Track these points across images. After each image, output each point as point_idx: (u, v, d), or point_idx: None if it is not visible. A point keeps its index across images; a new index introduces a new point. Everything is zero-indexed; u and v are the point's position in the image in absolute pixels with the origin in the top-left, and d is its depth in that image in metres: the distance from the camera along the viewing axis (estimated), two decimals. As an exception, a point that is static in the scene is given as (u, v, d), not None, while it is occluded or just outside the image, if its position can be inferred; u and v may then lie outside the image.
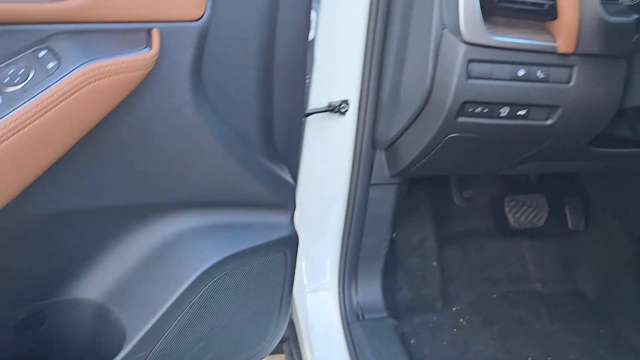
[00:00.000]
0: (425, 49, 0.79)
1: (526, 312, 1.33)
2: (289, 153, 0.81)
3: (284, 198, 0.78)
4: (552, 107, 0.81)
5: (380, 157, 1.02)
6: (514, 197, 1.37)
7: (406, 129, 0.90)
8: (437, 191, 1.36)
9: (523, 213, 1.38)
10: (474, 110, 0.79)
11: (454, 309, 1.31)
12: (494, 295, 1.37)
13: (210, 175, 0.70)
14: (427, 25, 0.78)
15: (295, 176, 0.83)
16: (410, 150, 0.92)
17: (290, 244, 0.80)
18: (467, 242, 1.42)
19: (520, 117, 0.81)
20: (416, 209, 1.36)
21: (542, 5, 0.74)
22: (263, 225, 0.77)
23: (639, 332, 1.27)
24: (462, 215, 1.42)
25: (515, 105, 0.80)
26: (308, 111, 0.95)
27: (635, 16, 0.72)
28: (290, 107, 0.78)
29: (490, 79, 0.77)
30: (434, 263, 1.32)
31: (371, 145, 1.00)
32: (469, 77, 0.76)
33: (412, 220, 1.34)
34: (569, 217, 1.41)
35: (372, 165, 1.03)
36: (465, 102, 0.78)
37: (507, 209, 1.37)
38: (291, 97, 0.78)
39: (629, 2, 0.66)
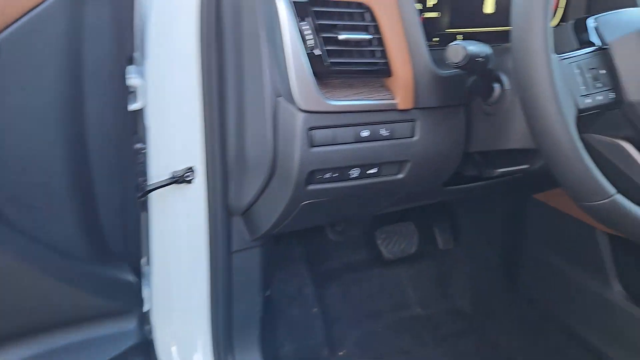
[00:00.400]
0: (262, 118, 0.73)
1: (410, 340, 1.34)
2: (126, 248, 0.71)
3: (125, 301, 0.68)
4: (401, 162, 0.79)
5: (239, 222, 0.95)
6: (384, 228, 1.37)
7: (259, 196, 0.84)
8: (308, 230, 1.32)
9: (395, 243, 1.39)
10: (323, 177, 0.75)
11: (340, 353, 1.27)
12: (379, 329, 1.36)
13: (25, 301, 0.58)
14: (260, 93, 0.72)
15: (137, 271, 0.73)
16: (268, 216, 0.86)
17: (140, 351, 0.70)
18: (345, 277, 1.40)
19: (372, 175, 0.78)
20: (289, 255, 1.31)
21: (375, 64, 0.72)
22: (104, 339, 0.67)
23: (513, 342, 1.32)
24: (337, 249, 1.40)
25: (365, 166, 0.76)
26: (150, 186, 0.85)
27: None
28: (119, 196, 0.68)
29: (334, 144, 0.72)
30: (315, 309, 1.28)
31: (225, 212, 0.92)
32: (312, 145, 0.71)
33: (287, 268, 1.29)
34: (438, 238, 1.44)
35: (230, 233, 0.95)
36: (312, 171, 0.73)
37: (379, 242, 1.37)
38: (117, 184, 0.67)
39: (453, 64, 0.65)
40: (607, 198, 0.57)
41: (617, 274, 1.10)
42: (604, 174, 0.69)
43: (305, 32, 0.67)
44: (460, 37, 0.88)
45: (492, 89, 0.74)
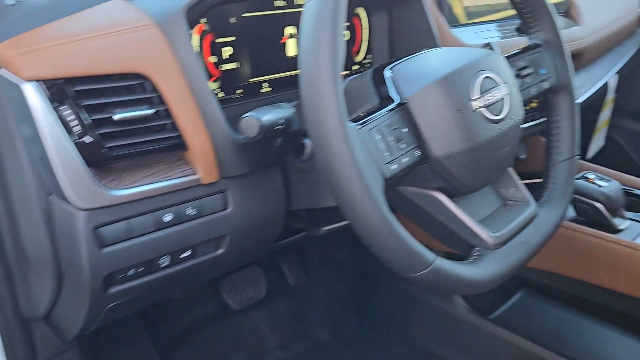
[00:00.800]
0: (34, 220, 0.59)
1: (276, 386, 1.27)
2: None
3: None
4: (218, 238, 0.70)
5: (42, 327, 0.79)
6: (228, 278, 1.28)
7: (55, 300, 0.69)
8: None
9: (242, 291, 1.30)
10: (125, 275, 0.63)
11: None
12: (239, 387, 1.26)
13: None
14: (26, 193, 0.58)
15: None
16: (73, 321, 0.72)
17: None
18: (195, 337, 1.28)
19: (187, 258, 0.68)
20: (125, 329, 1.15)
21: (166, 139, 0.62)
22: None
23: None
24: (181, 308, 1.27)
25: (176, 252, 0.66)
26: None
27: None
28: None
29: (132, 237, 0.61)
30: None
31: (19, 319, 0.76)
32: (103, 246, 0.59)
33: (124, 347, 1.14)
34: (288, 275, 1.39)
35: (32, 340, 0.79)
36: (110, 273, 0.61)
37: (224, 295, 1.27)
38: None
39: (250, 138, 0.58)
40: (428, 267, 0.54)
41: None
42: (422, 224, 0.67)
43: (69, 118, 0.55)
44: (266, 85, 0.81)
45: (303, 146, 0.68)
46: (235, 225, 0.70)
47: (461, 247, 0.62)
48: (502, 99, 0.61)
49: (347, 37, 0.90)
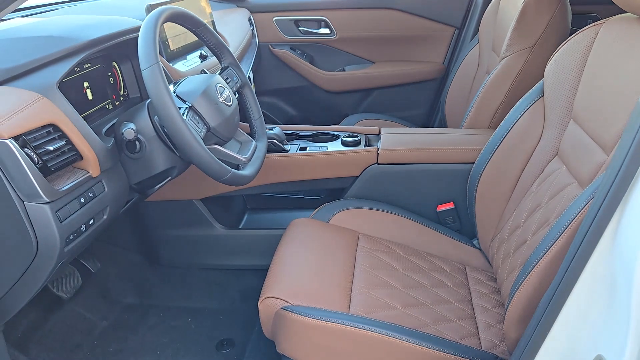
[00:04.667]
0: (18, 219, 1.01)
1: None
2: None
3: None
4: (103, 209, 1.20)
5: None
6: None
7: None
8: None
9: (66, 284, 1.68)
10: (70, 238, 1.09)
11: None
12: None
13: None
14: (10, 202, 0.99)
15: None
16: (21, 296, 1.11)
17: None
18: (43, 328, 1.61)
19: (92, 224, 1.17)
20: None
21: (73, 155, 1.10)
22: None
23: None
24: (25, 307, 1.58)
25: (87, 221, 1.14)
26: None
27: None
28: None
29: (72, 214, 1.08)
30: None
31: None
32: (61, 220, 1.05)
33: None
34: (88, 265, 1.81)
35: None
36: (67, 237, 1.07)
37: (54, 290, 1.63)
38: None
39: (128, 140, 1.13)
40: (230, 173, 1.21)
41: (215, 218, 1.80)
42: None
43: (31, 154, 0.99)
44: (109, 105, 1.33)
45: (135, 146, 1.24)
46: (110, 199, 1.21)
47: (232, 165, 1.31)
48: (229, 95, 1.31)
49: (113, 81, 1.44)
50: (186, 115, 1.19)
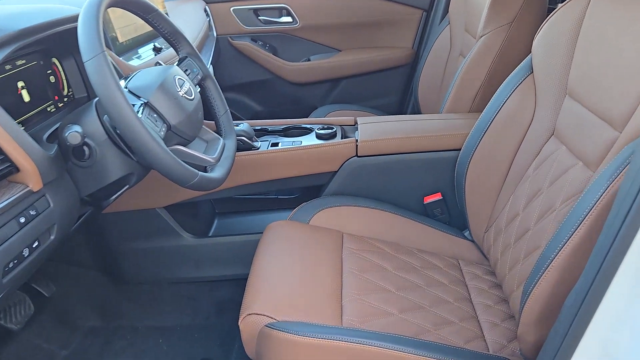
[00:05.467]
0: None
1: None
2: None
3: None
4: (50, 228, 1.02)
5: None
6: None
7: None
8: None
9: (15, 313, 1.48)
10: (9, 267, 0.92)
11: None
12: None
13: None
14: None
15: None
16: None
17: None
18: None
19: (36, 247, 0.99)
20: None
21: (8, 167, 0.92)
22: None
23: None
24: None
25: (29, 244, 0.97)
26: None
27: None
28: None
29: (9, 237, 0.90)
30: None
31: None
32: (-2, 247, 0.87)
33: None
34: (41, 289, 1.62)
35: None
36: (4, 265, 0.89)
37: (2, 321, 1.44)
38: None
39: (73, 145, 0.96)
40: (197, 176, 1.05)
41: (182, 226, 1.64)
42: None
43: None
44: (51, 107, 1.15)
45: (83, 152, 1.06)
46: (58, 216, 1.04)
47: (199, 168, 1.15)
48: (190, 87, 1.15)
49: (53, 80, 1.25)
50: (141, 114, 1.03)
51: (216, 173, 1.14)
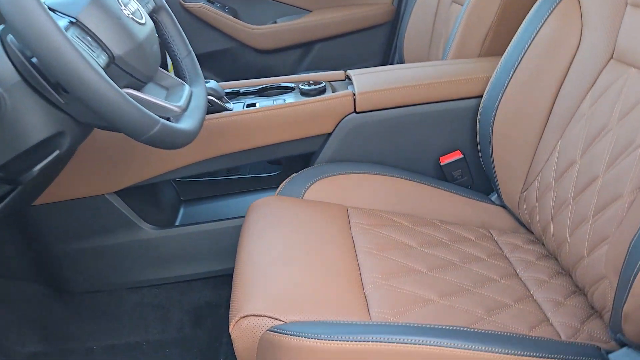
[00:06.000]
0: None
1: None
2: None
3: None
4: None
5: None
6: None
7: None
8: None
9: None
10: None
11: None
12: None
13: None
14: None
15: None
16: None
17: None
18: None
19: None
20: None
21: None
22: None
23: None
24: None
25: None
26: None
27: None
28: None
29: None
30: None
31: None
32: None
33: None
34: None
35: None
36: None
37: None
38: None
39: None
40: (157, 125, 0.73)
41: (139, 215, 1.30)
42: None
43: None
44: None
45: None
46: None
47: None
48: (138, 8, 0.82)
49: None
50: (71, 28, 0.70)
51: (185, 124, 0.81)
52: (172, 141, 0.77)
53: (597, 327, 0.90)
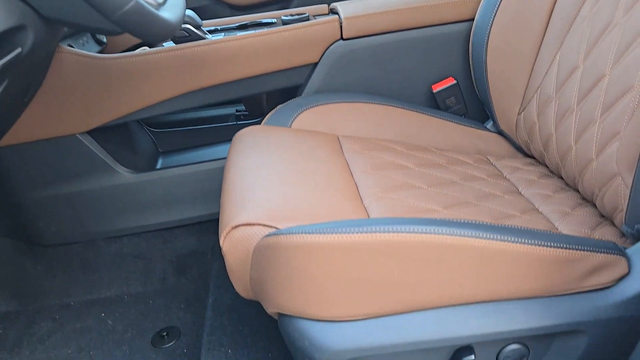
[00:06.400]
0: None
1: None
2: None
3: None
4: None
5: None
6: None
7: None
8: None
9: None
10: None
11: None
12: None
13: None
14: None
15: None
16: None
17: None
18: None
19: None
20: None
21: None
22: None
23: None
24: None
25: None
26: None
27: None
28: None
29: None
30: None
31: None
32: None
33: None
34: None
35: None
36: None
37: None
38: None
39: None
40: (132, 1, 0.65)
41: (115, 159, 1.21)
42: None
43: None
44: None
45: None
46: None
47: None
48: None
49: None
50: None
51: (163, 13, 0.73)
52: (149, 28, 0.69)
53: (609, 233, 0.85)
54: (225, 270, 1.19)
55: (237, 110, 1.58)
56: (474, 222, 0.69)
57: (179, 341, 1.11)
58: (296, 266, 0.66)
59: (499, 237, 0.66)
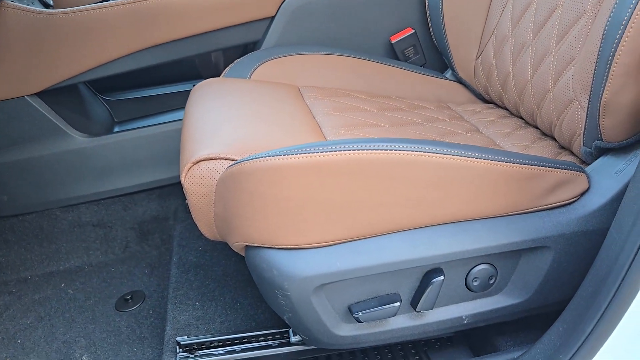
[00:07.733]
0: None
1: None
2: None
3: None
4: None
5: None
6: None
7: None
8: None
9: None
10: None
11: None
12: None
13: None
14: None
15: None
16: None
17: None
18: None
19: None
20: None
21: None
22: None
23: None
24: None
25: None
26: None
27: None
28: None
29: None
30: None
31: None
32: None
33: None
34: None
35: None
36: None
37: None
38: None
39: None
40: None
41: (67, 121, 1.16)
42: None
43: None
44: None
45: None
46: None
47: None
48: None
49: None
50: None
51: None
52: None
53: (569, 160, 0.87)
54: (189, 231, 1.16)
55: (194, 86, 1.55)
56: (437, 141, 0.69)
57: (144, 304, 1.08)
58: (261, 192, 0.65)
59: (462, 152, 0.67)
